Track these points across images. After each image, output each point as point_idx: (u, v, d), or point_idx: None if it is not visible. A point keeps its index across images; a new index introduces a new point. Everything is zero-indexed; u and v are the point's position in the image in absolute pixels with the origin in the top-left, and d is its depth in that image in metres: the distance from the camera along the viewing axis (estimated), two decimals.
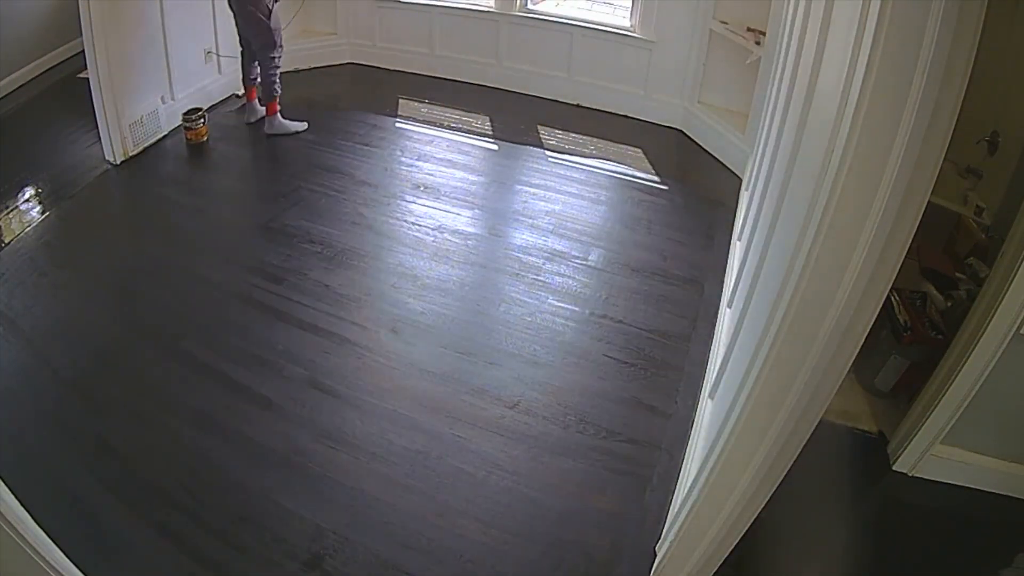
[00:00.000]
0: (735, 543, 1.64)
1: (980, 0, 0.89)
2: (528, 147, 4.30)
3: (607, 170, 4.07)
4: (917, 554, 2.18)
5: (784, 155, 2.01)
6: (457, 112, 4.69)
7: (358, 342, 2.77)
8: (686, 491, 1.90)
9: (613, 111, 4.70)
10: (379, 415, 2.45)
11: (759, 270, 1.98)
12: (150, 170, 3.88)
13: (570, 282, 3.15)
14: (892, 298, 2.62)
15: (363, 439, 2.36)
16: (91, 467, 2.22)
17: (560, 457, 2.34)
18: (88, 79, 3.68)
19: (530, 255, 3.31)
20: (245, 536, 2.05)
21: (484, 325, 2.89)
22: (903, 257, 1.11)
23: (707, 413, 2.30)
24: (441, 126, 4.51)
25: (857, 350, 1.23)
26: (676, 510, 1.99)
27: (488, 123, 4.59)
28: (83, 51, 3.60)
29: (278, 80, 4.10)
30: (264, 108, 4.23)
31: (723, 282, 3.11)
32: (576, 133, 4.47)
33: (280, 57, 4.07)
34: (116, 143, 3.80)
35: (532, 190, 3.85)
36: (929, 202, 1.06)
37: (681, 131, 4.50)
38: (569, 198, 3.79)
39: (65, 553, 1.46)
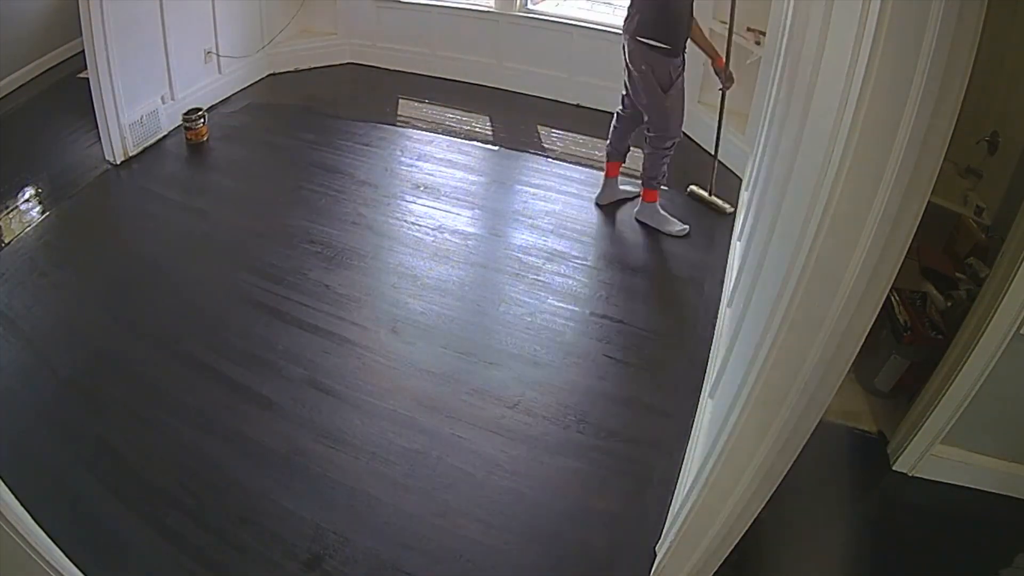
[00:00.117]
0: (735, 543, 1.64)
1: (980, 0, 0.89)
2: (528, 147, 4.30)
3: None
4: (917, 554, 2.18)
5: (784, 155, 2.01)
6: (457, 112, 4.69)
7: (358, 342, 2.77)
8: (686, 491, 1.90)
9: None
10: (379, 415, 2.46)
11: (759, 270, 1.98)
12: (150, 170, 3.88)
13: (570, 282, 3.15)
14: (892, 298, 2.62)
15: (363, 439, 2.36)
16: (91, 467, 2.22)
17: (560, 457, 2.34)
18: (88, 79, 3.68)
19: (530, 255, 3.31)
20: (245, 536, 2.05)
21: (484, 325, 2.90)
22: (903, 257, 1.11)
23: (707, 413, 2.30)
24: (441, 126, 4.51)
25: (857, 350, 1.22)
26: (676, 510, 1.98)
27: (488, 123, 4.59)
28: (83, 51, 3.60)
29: (666, 168, 3.44)
30: (640, 192, 3.56)
31: (723, 282, 3.11)
32: (576, 133, 4.47)
33: (673, 147, 3.39)
34: (116, 143, 3.80)
35: (532, 190, 3.85)
36: (929, 202, 1.06)
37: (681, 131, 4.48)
38: (569, 198, 3.79)
39: (65, 553, 1.46)
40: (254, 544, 2.03)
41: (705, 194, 3.77)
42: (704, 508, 1.64)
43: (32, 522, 1.33)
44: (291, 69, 5.11)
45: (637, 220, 3.58)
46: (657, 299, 3.07)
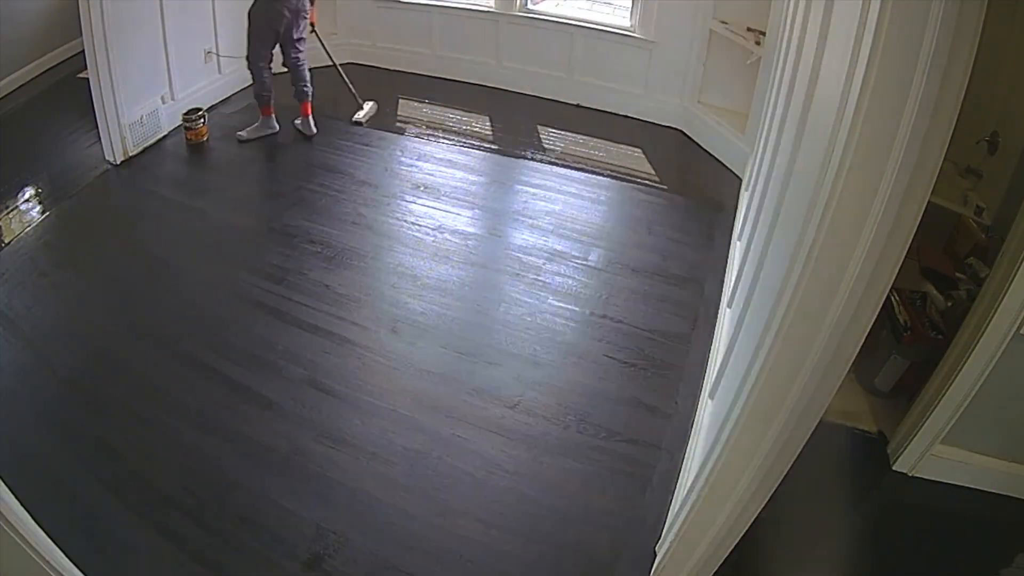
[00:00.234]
0: (735, 543, 1.64)
1: (980, 0, 0.89)
2: (528, 147, 4.30)
3: (607, 170, 4.07)
4: (917, 554, 2.18)
5: (784, 155, 2.01)
6: (457, 112, 4.69)
7: (358, 342, 2.77)
8: (686, 491, 1.90)
9: (613, 111, 4.70)
10: (379, 415, 2.46)
11: (759, 270, 1.98)
12: (150, 170, 3.88)
13: (570, 282, 3.15)
14: (892, 298, 2.62)
15: (363, 439, 2.36)
16: (91, 467, 2.22)
17: (560, 457, 2.34)
18: (88, 79, 3.68)
19: (530, 255, 3.31)
20: (245, 536, 2.05)
21: (484, 325, 2.90)
22: (903, 257, 1.11)
23: (707, 413, 2.30)
24: (441, 126, 4.51)
25: (857, 350, 1.22)
26: (676, 510, 1.99)
27: (488, 123, 4.59)
28: (83, 51, 3.60)
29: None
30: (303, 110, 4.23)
31: (723, 282, 3.11)
32: (576, 133, 4.47)
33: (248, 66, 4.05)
34: (116, 143, 3.80)
35: (532, 190, 3.85)
36: (929, 202, 1.06)
37: (681, 131, 4.49)
38: (569, 198, 3.79)
39: (65, 553, 1.46)
40: (254, 544, 2.03)
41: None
42: (704, 508, 1.64)
43: (32, 522, 1.33)
44: None
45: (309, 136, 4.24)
46: (657, 299, 3.07)
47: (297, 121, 4.28)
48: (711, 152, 4.24)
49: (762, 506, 1.53)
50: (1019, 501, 2.28)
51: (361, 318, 2.90)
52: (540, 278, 3.16)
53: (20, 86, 4.60)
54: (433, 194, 3.77)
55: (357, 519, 2.11)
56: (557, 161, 4.14)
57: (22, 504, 1.30)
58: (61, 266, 3.12)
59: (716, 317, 2.91)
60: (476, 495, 2.20)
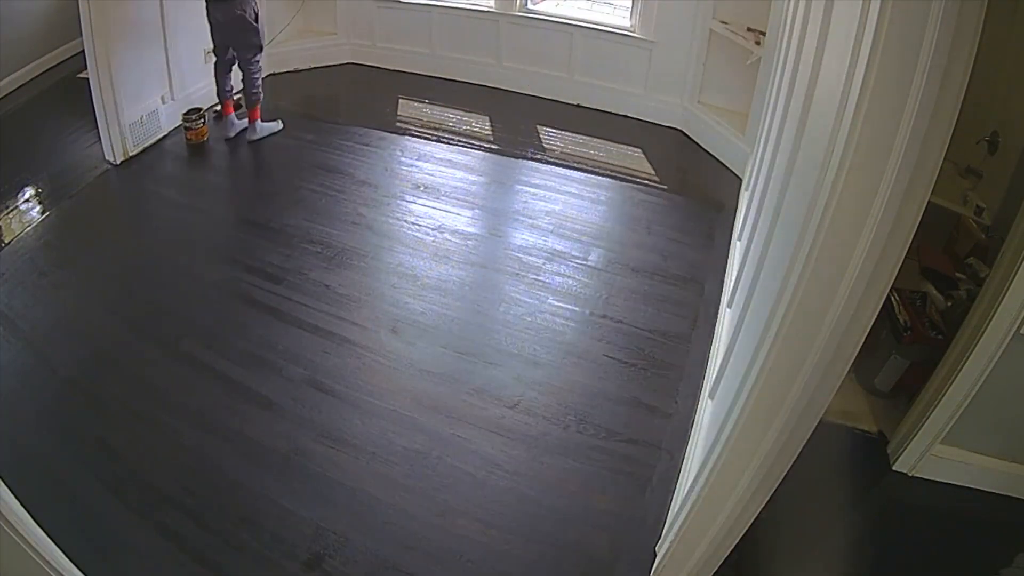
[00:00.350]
0: (735, 543, 1.64)
1: (980, 0, 0.89)
2: (528, 147, 4.30)
3: (607, 170, 4.07)
4: (917, 554, 2.18)
5: (784, 155, 2.01)
6: (457, 112, 4.69)
7: (358, 342, 2.77)
8: (686, 491, 1.90)
9: (613, 111, 4.70)
10: (379, 415, 2.46)
11: (759, 270, 1.98)
12: (150, 170, 3.88)
13: (570, 282, 3.15)
14: (892, 298, 2.62)
15: (363, 439, 2.36)
16: (91, 467, 2.22)
17: (560, 457, 2.34)
18: (88, 79, 3.68)
19: (530, 255, 3.31)
20: (245, 536, 2.05)
21: (484, 325, 2.89)
22: (903, 257, 1.11)
23: (707, 413, 2.30)
24: (441, 126, 4.51)
25: (857, 350, 1.22)
26: (676, 510, 1.99)
27: (488, 123, 4.59)
28: (83, 51, 3.60)
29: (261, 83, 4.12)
30: (246, 117, 4.19)
31: (723, 282, 3.11)
32: (576, 133, 4.46)
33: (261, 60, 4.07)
34: (116, 143, 3.80)
35: (532, 190, 3.85)
36: (929, 202, 1.06)
37: (681, 131, 4.49)
38: (569, 198, 3.79)
39: (65, 553, 1.46)
40: (254, 544, 2.03)
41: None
42: (704, 508, 1.64)
43: (32, 522, 1.33)
44: (291, 69, 5.12)
45: (251, 141, 4.15)
46: (657, 299, 3.07)
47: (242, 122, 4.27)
48: (711, 152, 4.24)
49: (762, 506, 1.53)
50: (1019, 501, 2.28)
51: (361, 318, 2.90)
52: (540, 278, 3.16)
53: (20, 86, 4.60)
54: (433, 194, 3.77)
55: (357, 519, 2.11)
56: (557, 161, 4.14)
57: (22, 504, 1.30)
58: (61, 266, 3.12)
59: (716, 317, 2.91)
60: (476, 495, 2.20)
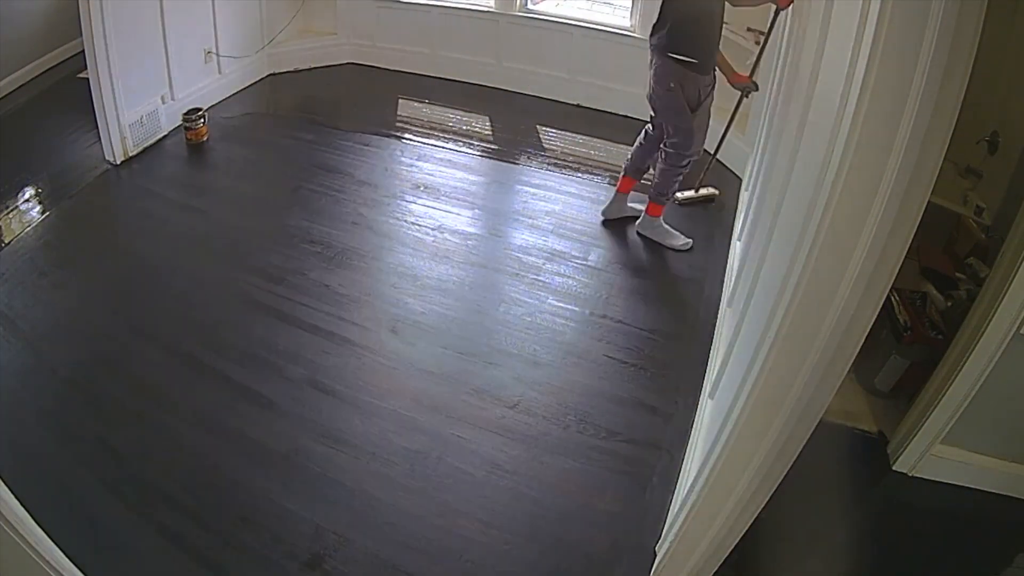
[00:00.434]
0: (735, 543, 1.64)
1: (980, 0, 0.89)
2: (528, 147, 4.30)
3: (607, 170, 4.07)
4: (917, 554, 2.18)
5: (784, 155, 2.01)
6: (457, 112, 4.69)
7: (358, 342, 2.77)
8: (686, 491, 1.90)
9: (613, 111, 4.70)
10: (379, 415, 2.45)
11: (759, 270, 1.98)
12: (150, 170, 3.88)
13: (570, 282, 3.15)
14: (892, 298, 2.62)
15: (363, 439, 2.36)
16: (91, 467, 2.22)
17: (560, 457, 2.34)
18: (88, 79, 3.68)
19: (530, 255, 3.31)
20: (245, 536, 2.05)
21: (484, 325, 2.89)
22: (903, 257, 1.11)
23: (707, 413, 2.30)
24: (441, 126, 4.51)
25: (857, 350, 1.22)
26: (676, 510, 1.98)
27: (488, 123, 4.59)
28: (83, 51, 3.60)
29: (678, 185, 3.35)
30: (644, 206, 3.44)
31: (723, 282, 3.11)
32: (576, 133, 4.47)
33: (689, 165, 3.27)
34: (116, 143, 3.80)
35: (532, 190, 3.85)
36: (929, 202, 1.06)
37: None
38: (569, 198, 3.79)
39: (65, 553, 1.46)
40: (254, 544, 2.03)
41: (692, 193, 3.77)
42: (704, 508, 1.64)
43: (32, 522, 1.33)
44: (291, 69, 5.12)
45: (639, 233, 3.47)
46: (657, 299, 3.07)
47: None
48: (711, 152, 4.23)
49: (762, 506, 1.53)
50: (1019, 501, 2.28)
51: (361, 318, 2.90)
52: (540, 278, 3.16)
53: (20, 86, 4.60)
54: (433, 194, 3.77)
55: (357, 519, 2.11)
56: (557, 161, 4.14)
57: (22, 504, 1.30)
58: (61, 266, 3.12)
59: (716, 317, 2.91)
60: (476, 495, 2.20)
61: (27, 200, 3.55)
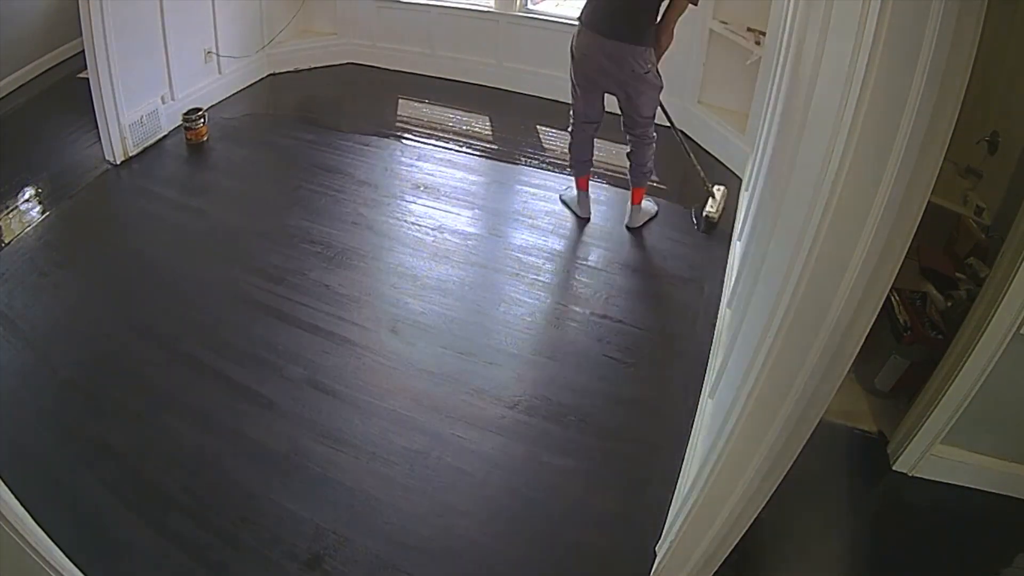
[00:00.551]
0: (735, 543, 1.64)
1: (980, 0, 0.89)
2: (528, 147, 4.30)
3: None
4: (917, 554, 2.18)
5: (784, 155, 2.01)
6: (457, 112, 4.69)
7: (358, 342, 2.77)
8: (686, 491, 1.90)
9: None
10: (379, 415, 2.46)
11: (759, 270, 1.98)
12: (150, 170, 3.88)
13: (570, 282, 3.15)
14: (892, 298, 2.62)
15: (363, 439, 2.36)
16: (91, 467, 2.22)
17: (560, 457, 2.34)
18: (88, 79, 3.68)
19: (530, 255, 3.31)
20: (245, 536, 2.05)
21: (484, 325, 2.89)
22: (903, 257, 1.11)
23: (707, 413, 2.30)
24: (441, 126, 4.51)
25: (857, 350, 1.22)
26: (676, 510, 1.98)
27: (488, 123, 4.59)
28: (83, 51, 3.60)
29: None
30: (629, 197, 3.49)
31: (723, 282, 3.11)
32: None
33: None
34: (116, 143, 3.80)
35: (532, 190, 3.85)
36: (929, 202, 1.06)
37: (681, 131, 4.48)
38: None
39: (65, 553, 1.46)
40: (254, 544, 2.03)
41: (718, 203, 3.59)
42: (704, 508, 1.64)
43: (32, 522, 1.33)
44: (291, 69, 5.12)
45: (629, 228, 3.49)
46: (657, 299, 3.07)
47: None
48: (711, 152, 4.24)
49: (762, 506, 1.53)
50: (1019, 501, 2.28)
51: (361, 318, 2.90)
52: (540, 278, 3.16)
53: (20, 86, 4.60)
54: (433, 194, 3.77)
55: (357, 519, 2.11)
56: (557, 161, 4.14)
57: (22, 504, 1.30)
58: (61, 266, 3.12)
59: (716, 317, 2.91)
60: (476, 495, 2.20)
61: (27, 200, 3.55)
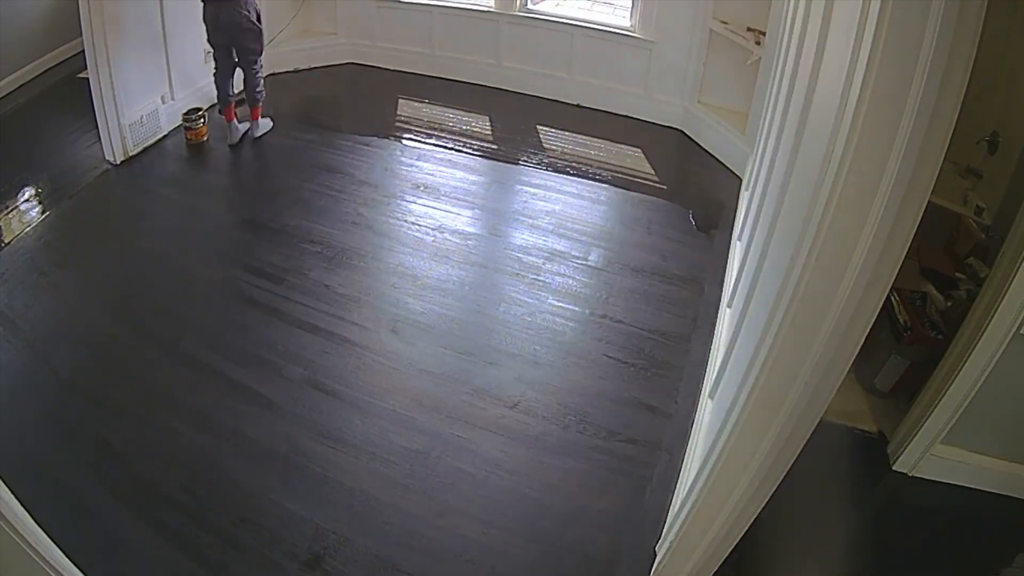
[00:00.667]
0: (735, 543, 1.64)
1: (980, 0, 0.89)
2: (528, 147, 4.30)
3: (607, 170, 4.07)
4: (917, 554, 2.18)
5: (784, 155, 2.01)
6: (457, 112, 4.69)
7: (358, 342, 2.77)
8: (686, 491, 1.90)
9: (613, 111, 4.70)
10: (379, 415, 2.46)
11: (759, 270, 1.98)
12: (150, 170, 3.88)
13: (570, 282, 3.15)
14: (892, 298, 2.62)
15: (363, 439, 2.36)
16: (91, 467, 2.22)
17: (560, 457, 2.34)
18: (88, 79, 3.68)
19: (530, 255, 3.31)
20: (245, 536, 2.05)
21: (484, 325, 2.89)
22: (903, 257, 1.11)
23: (707, 413, 2.30)
24: (441, 126, 4.51)
25: (857, 350, 1.22)
26: (676, 510, 1.99)
27: (488, 123, 4.59)
28: (83, 51, 3.60)
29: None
30: (246, 120, 4.20)
31: (723, 282, 3.11)
32: (576, 133, 4.46)
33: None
34: (116, 143, 3.80)
35: (532, 190, 3.85)
36: (929, 202, 1.06)
37: (681, 131, 4.49)
38: (569, 198, 3.79)
39: (65, 553, 1.46)
40: (254, 544, 2.03)
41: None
42: (704, 508, 1.64)
43: (32, 522, 1.33)
44: (291, 69, 5.12)
45: (255, 138, 4.18)
46: (657, 299, 3.07)
47: (244, 124, 4.25)
48: (711, 152, 4.24)
49: (762, 506, 1.53)
50: (1019, 501, 2.28)
51: (361, 318, 2.90)
52: (540, 278, 3.16)
53: (20, 86, 4.60)
54: (433, 194, 3.77)
55: (357, 519, 2.11)
56: (557, 161, 4.14)
57: (22, 504, 1.30)
58: (61, 266, 3.12)
59: (716, 317, 2.91)
60: (476, 495, 2.20)
61: (27, 200, 3.55)
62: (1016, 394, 2.14)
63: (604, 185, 3.93)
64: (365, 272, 3.18)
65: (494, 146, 4.31)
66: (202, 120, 4.09)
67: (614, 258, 3.34)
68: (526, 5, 4.77)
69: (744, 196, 3.52)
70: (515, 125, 4.54)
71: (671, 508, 2.12)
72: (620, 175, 4.04)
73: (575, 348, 2.79)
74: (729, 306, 2.74)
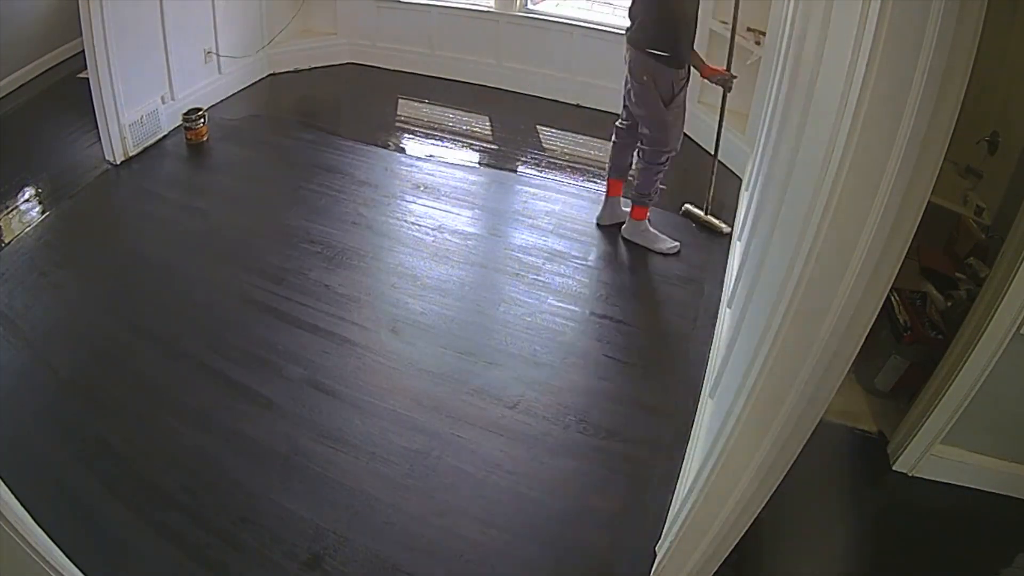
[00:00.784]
0: (735, 543, 1.64)
1: (980, 0, 0.89)
2: (528, 147, 4.30)
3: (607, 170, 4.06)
4: (917, 554, 2.18)
5: (784, 155, 2.01)
6: (457, 112, 4.69)
7: (358, 342, 2.77)
8: (686, 491, 1.90)
9: (613, 111, 4.68)
10: (379, 415, 2.46)
11: (759, 270, 1.98)
12: (150, 170, 3.88)
13: (570, 282, 3.15)
14: (892, 298, 2.62)
15: (363, 439, 2.36)
16: (91, 467, 2.22)
17: (560, 457, 2.34)
18: (88, 79, 3.68)
19: (530, 255, 3.31)
20: (245, 536, 2.05)
21: (484, 325, 2.89)
22: (903, 257, 1.11)
23: (707, 413, 2.30)
24: (441, 126, 4.51)
25: (857, 350, 1.22)
26: (676, 510, 1.98)
27: (488, 123, 4.59)
28: (83, 51, 3.60)
29: (660, 183, 3.29)
30: (629, 210, 3.41)
31: (723, 282, 3.11)
32: (576, 133, 4.47)
33: (668, 162, 3.23)
34: (116, 143, 3.80)
35: (532, 190, 3.85)
36: (929, 202, 1.06)
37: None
38: (569, 198, 3.79)
39: (65, 553, 1.46)
40: (254, 544, 2.03)
41: (700, 213, 3.61)
42: (704, 508, 1.64)
43: (32, 522, 1.33)
44: (291, 69, 5.12)
45: (623, 238, 3.41)
46: (657, 299, 3.07)
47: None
48: (711, 152, 4.23)
49: (762, 506, 1.53)
50: (1019, 501, 2.28)
51: (361, 318, 2.90)
52: (540, 278, 3.16)
53: (20, 86, 4.60)
54: (433, 194, 3.77)
55: (357, 519, 2.11)
56: (557, 161, 4.14)
57: (22, 504, 1.30)
58: (61, 266, 3.12)
59: (716, 317, 2.91)
60: (476, 495, 2.20)
61: (27, 200, 3.55)
62: (1016, 394, 2.14)
63: (604, 185, 3.92)
64: (365, 272, 3.18)
65: (494, 146, 4.31)
66: (202, 120, 4.09)
67: (614, 258, 3.34)
68: (526, 5, 4.77)
69: (744, 196, 3.52)
70: (515, 125, 4.54)
71: (671, 508, 2.12)
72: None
73: (575, 348, 2.79)
74: (729, 306, 2.74)
